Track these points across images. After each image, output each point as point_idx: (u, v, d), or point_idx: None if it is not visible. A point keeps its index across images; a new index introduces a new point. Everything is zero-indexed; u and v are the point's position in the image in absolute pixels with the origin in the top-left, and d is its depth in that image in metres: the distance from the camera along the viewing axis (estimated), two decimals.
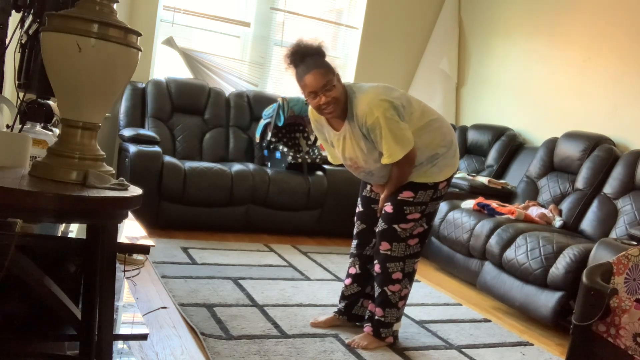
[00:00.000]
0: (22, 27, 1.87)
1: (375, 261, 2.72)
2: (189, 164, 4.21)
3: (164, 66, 4.96)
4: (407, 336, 2.88)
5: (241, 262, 3.68)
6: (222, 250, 3.89)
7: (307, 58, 2.48)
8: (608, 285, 1.90)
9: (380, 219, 2.70)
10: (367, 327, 2.75)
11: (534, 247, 3.33)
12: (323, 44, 2.54)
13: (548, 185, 4.19)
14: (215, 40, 5.12)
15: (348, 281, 2.88)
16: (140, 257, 3.23)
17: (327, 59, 2.53)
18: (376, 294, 2.74)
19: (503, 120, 5.03)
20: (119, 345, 2.23)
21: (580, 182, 3.99)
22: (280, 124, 4.61)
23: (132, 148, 4.03)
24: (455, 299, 3.59)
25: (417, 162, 2.59)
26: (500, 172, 4.68)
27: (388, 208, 2.66)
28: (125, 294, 2.42)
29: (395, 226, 2.64)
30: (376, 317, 2.73)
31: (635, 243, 2.85)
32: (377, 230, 2.72)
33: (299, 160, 4.50)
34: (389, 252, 2.66)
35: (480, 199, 4.04)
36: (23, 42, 1.85)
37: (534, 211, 3.92)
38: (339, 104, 2.49)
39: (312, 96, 2.47)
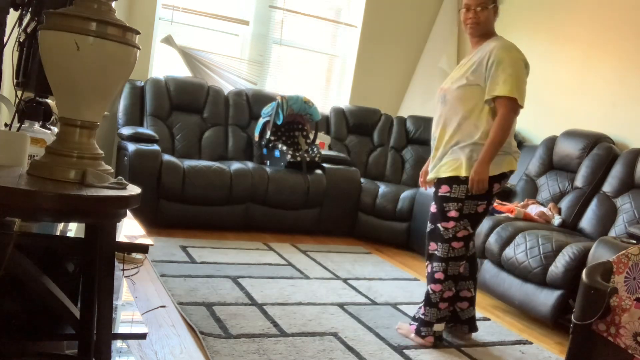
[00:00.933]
0: (20, 25, 1.87)
1: (427, 261, 2.83)
2: (187, 163, 4.21)
3: (163, 64, 4.95)
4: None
5: (240, 261, 3.67)
6: (221, 249, 3.89)
7: None
8: (608, 284, 1.90)
9: (428, 221, 2.83)
10: (413, 326, 2.83)
11: (533, 245, 3.32)
12: None
13: (547, 183, 4.19)
14: (214, 38, 5.12)
15: None
16: (139, 256, 3.23)
17: None
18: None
19: None
20: (117, 344, 2.23)
21: (579, 181, 3.98)
22: (279, 122, 4.60)
23: (131, 147, 4.03)
24: None
25: (465, 141, 2.67)
26: None
27: (433, 208, 2.77)
28: (124, 292, 2.42)
29: (439, 225, 2.73)
30: (419, 315, 2.81)
31: (634, 242, 2.84)
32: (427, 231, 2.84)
33: (298, 158, 4.50)
34: (435, 252, 2.76)
35: None
36: (21, 40, 1.84)
37: (533, 209, 3.92)
38: (479, 28, 2.74)
39: (465, 9, 2.75)
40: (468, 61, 2.77)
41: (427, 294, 2.79)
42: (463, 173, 2.66)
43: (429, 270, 2.79)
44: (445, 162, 2.73)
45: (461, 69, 2.78)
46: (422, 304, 2.82)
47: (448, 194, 2.70)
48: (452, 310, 2.89)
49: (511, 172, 2.75)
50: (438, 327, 2.77)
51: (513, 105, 2.61)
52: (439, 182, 2.75)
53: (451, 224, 2.70)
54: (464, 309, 2.91)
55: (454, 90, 2.73)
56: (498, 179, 2.68)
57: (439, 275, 2.74)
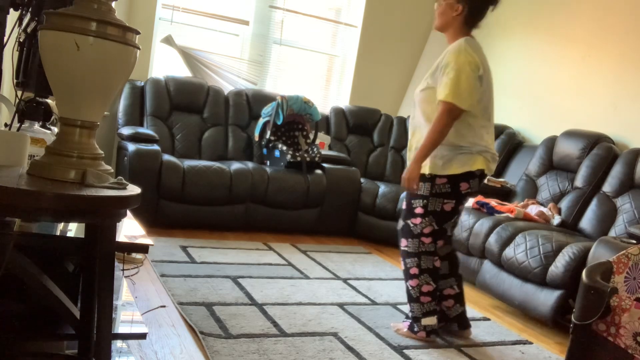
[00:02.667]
0: (20, 25, 1.87)
1: (401, 258, 2.89)
2: (187, 163, 4.21)
3: (163, 64, 4.95)
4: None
5: (240, 261, 3.67)
6: (221, 249, 3.89)
7: None
8: (608, 285, 1.90)
9: (400, 218, 2.89)
10: (406, 323, 2.89)
11: (533, 245, 3.32)
12: None
13: (547, 183, 4.19)
14: (214, 38, 5.12)
15: None
16: (139, 256, 3.23)
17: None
18: None
19: (502, 119, 5.02)
20: (117, 344, 2.23)
21: (579, 181, 3.98)
22: (279, 122, 4.60)
23: (131, 147, 4.03)
24: None
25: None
26: (500, 170, 4.68)
27: (404, 205, 2.84)
28: (124, 292, 2.41)
29: (409, 221, 2.80)
30: (410, 312, 2.88)
31: (634, 242, 2.85)
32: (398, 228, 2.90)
33: (298, 158, 4.50)
34: (406, 249, 2.82)
35: (480, 198, 4.03)
36: (21, 40, 1.84)
37: (533, 209, 3.92)
38: (439, 23, 2.78)
39: None
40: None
41: (407, 291, 2.86)
42: (427, 171, 2.73)
43: (404, 267, 2.86)
44: None
45: (428, 72, 2.83)
46: (407, 301, 2.89)
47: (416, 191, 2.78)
48: (440, 309, 2.93)
49: (481, 171, 2.75)
50: (426, 321, 2.81)
51: (448, 107, 2.61)
52: None
53: (418, 220, 2.78)
54: (449, 307, 2.94)
55: (418, 93, 2.81)
56: (465, 178, 2.72)
57: (413, 271, 2.81)
